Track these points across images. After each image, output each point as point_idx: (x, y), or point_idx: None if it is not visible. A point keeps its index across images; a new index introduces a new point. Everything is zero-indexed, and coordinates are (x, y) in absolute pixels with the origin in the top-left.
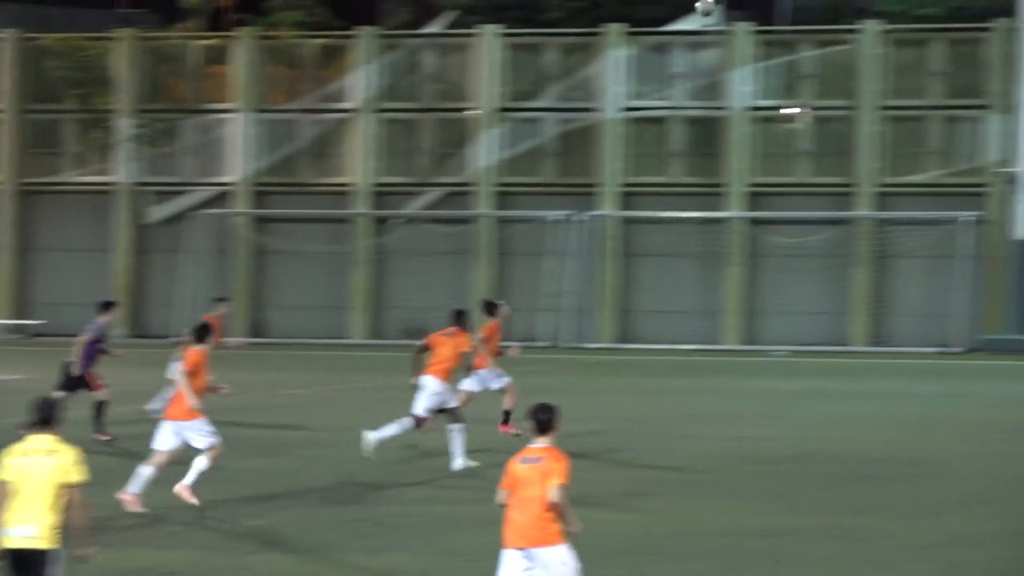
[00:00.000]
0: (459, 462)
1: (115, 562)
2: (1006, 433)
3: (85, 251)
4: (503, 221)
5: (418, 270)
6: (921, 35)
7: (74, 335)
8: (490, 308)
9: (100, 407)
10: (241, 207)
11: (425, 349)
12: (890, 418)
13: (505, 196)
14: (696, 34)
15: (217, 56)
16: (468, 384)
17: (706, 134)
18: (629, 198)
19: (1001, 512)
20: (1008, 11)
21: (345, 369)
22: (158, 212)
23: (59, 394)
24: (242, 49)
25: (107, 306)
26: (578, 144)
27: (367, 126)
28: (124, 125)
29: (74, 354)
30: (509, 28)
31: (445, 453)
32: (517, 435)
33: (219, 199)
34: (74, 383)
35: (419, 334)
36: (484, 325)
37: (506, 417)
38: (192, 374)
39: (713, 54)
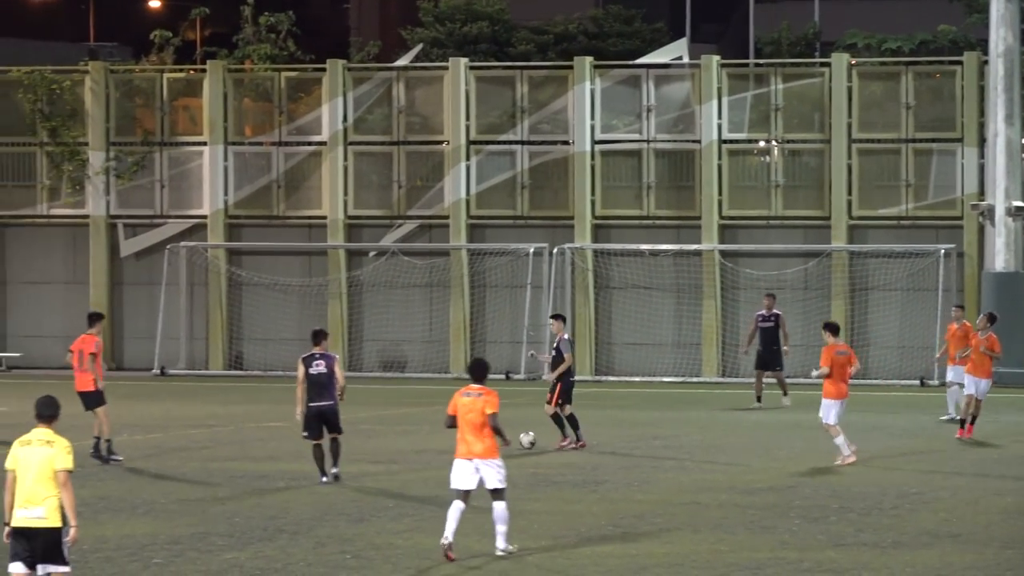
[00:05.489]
0: None
1: None
2: (984, 466)
3: (60, 284)
4: (477, 253)
5: (394, 302)
6: (890, 68)
7: (49, 368)
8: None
9: None
10: (215, 239)
11: None
12: (867, 450)
13: (478, 228)
14: (665, 67)
15: (188, 89)
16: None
17: (678, 167)
18: (601, 230)
19: (977, 545)
20: (974, 45)
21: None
22: (132, 245)
23: None
24: (212, 82)
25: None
26: (550, 177)
27: (339, 159)
28: (96, 158)
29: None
30: (478, 61)
31: (428, 484)
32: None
33: (192, 231)
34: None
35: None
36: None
37: None
38: None
39: (683, 87)
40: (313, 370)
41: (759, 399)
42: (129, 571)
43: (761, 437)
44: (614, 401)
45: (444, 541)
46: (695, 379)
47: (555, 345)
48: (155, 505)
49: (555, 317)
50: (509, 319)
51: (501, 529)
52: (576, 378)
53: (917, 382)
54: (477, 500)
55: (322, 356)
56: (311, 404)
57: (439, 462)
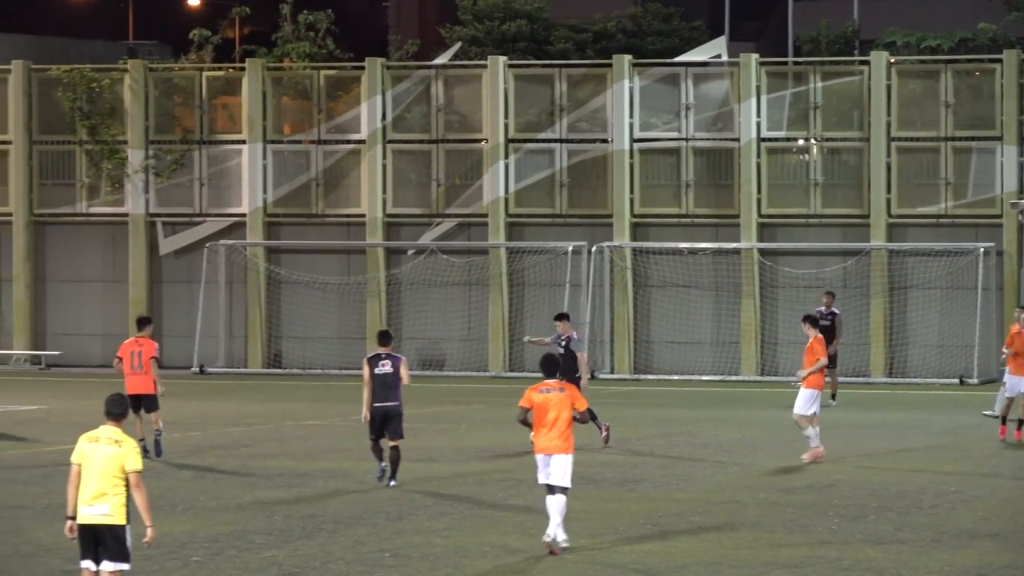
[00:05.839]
0: None
1: None
2: (1023, 466)
3: (98, 282)
4: (516, 252)
5: (432, 301)
6: (930, 67)
7: (88, 366)
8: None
9: None
10: (254, 238)
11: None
12: (906, 449)
13: (517, 227)
14: (704, 65)
15: (227, 87)
16: None
17: (716, 165)
18: (640, 229)
19: (1015, 545)
20: (1013, 43)
21: (362, 400)
22: (171, 243)
23: None
24: (252, 80)
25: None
26: (589, 175)
27: (378, 157)
28: (135, 156)
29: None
30: (516, 59)
31: (467, 482)
32: None
33: (231, 230)
34: None
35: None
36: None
37: None
38: None
39: (721, 85)
40: (379, 370)
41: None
42: (168, 569)
43: (800, 435)
44: (653, 399)
45: (546, 540)
46: (734, 377)
47: (563, 344)
48: (194, 503)
49: (560, 317)
50: (547, 318)
51: (556, 519)
52: (614, 376)
53: (956, 380)
54: (516, 498)
55: (388, 356)
56: (376, 404)
57: (478, 460)
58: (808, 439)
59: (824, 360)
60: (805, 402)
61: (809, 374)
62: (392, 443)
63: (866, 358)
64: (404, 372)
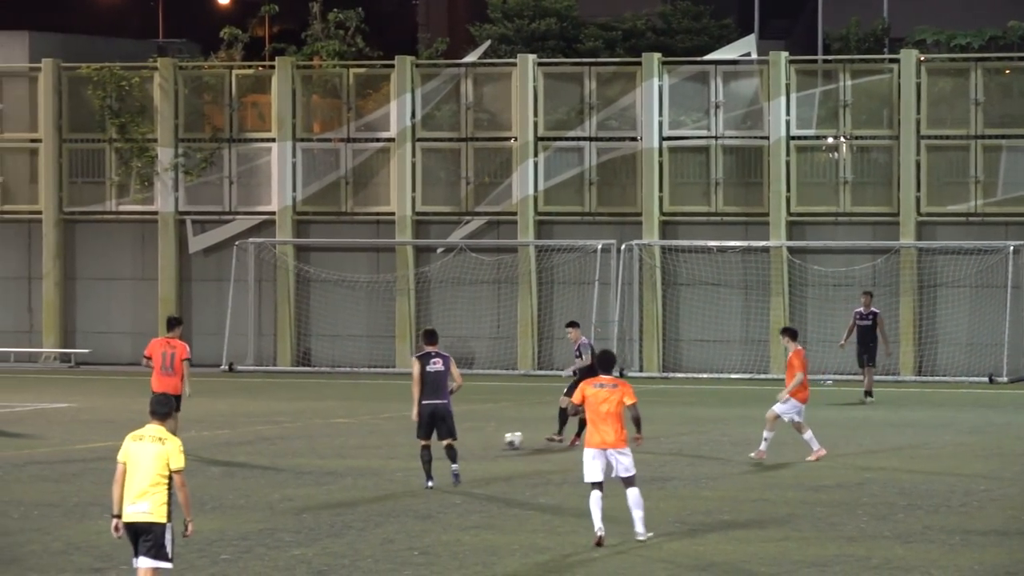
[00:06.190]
0: None
1: None
2: None
3: (128, 280)
4: (545, 250)
5: (461, 299)
6: (959, 64)
7: (117, 364)
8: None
9: None
10: (283, 236)
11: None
12: (935, 448)
13: (546, 225)
14: (733, 63)
15: (256, 85)
16: None
17: (746, 163)
18: (669, 227)
19: None
20: None
21: (391, 398)
22: (200, 241)
23: None
24: (281, 79)
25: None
26: (618, 173)
27: (407, 155)
28: (164, 154)
29: None
30: (546, 57)
31: (496, 481)
32: None
33: (261, 228)
34: None
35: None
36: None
37: None
38: None
39: (751, 83)
40: (431, 368)
41: (869, 394)
42: (197, 567)
43: (829, 434)
44: (682, 398)
45: (599, 533)
46: (763, 376)
47: (578, 353)
48: (223, 501)
49: (571, 325)
50: (576, 316)
51: (638, 515)
52: (643, 374)
53: (985, 379)
54: (545, 497)
55: (438, 355)
56: (424, 402)
57: (506, 459)
58: (764, 439)
59: (800, 376)
60: (786, 409)
61: (789, 390)
62: (447, 442)
63: (895, 356)
64: (455, 371)
